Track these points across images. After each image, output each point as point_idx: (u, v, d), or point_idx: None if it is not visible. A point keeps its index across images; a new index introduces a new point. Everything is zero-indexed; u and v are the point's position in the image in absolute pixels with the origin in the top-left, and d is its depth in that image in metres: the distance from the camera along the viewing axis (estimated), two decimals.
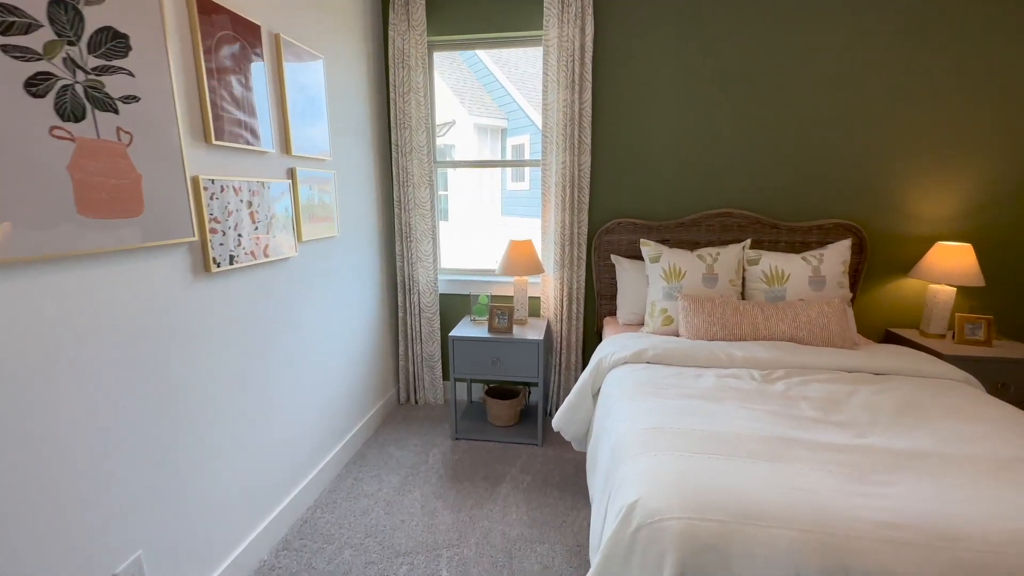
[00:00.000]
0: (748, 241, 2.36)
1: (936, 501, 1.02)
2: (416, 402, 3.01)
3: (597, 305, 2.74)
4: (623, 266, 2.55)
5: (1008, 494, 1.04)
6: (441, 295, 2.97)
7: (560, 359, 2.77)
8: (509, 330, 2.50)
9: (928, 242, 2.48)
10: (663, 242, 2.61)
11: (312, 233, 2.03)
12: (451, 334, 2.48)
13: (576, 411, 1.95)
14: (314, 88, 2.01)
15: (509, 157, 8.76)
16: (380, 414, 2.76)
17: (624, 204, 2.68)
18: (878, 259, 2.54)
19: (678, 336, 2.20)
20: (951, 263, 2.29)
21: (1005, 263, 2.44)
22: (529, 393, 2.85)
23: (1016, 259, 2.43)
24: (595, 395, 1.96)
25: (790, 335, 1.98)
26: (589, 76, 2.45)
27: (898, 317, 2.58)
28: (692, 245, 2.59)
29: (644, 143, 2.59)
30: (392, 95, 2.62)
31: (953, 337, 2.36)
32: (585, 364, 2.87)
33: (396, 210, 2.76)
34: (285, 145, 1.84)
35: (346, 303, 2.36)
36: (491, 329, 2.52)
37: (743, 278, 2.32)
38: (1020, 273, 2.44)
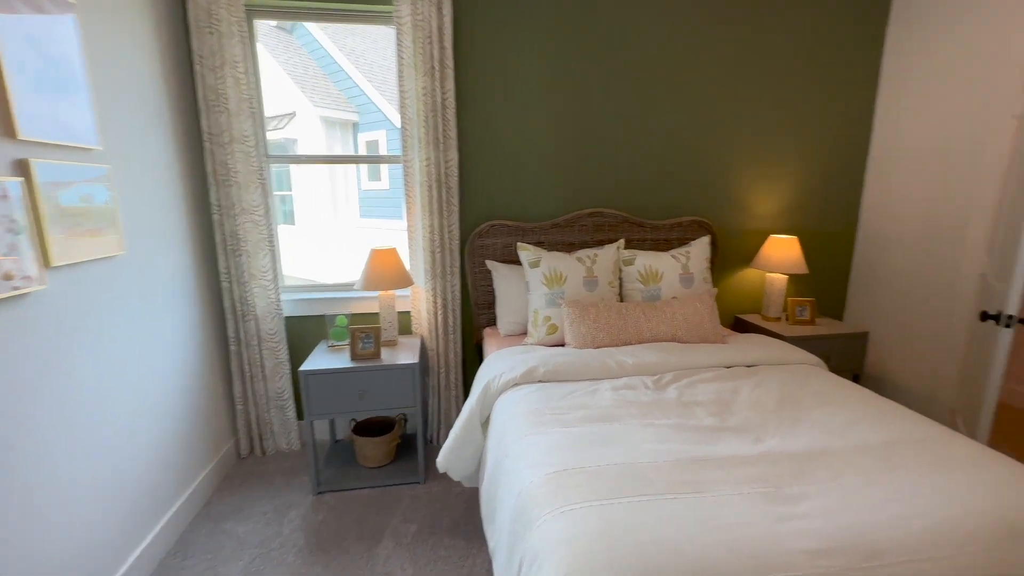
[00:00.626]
0: (622, 241, 2.35)
1: (850, 511, 1.00)
2: (264, 452, 2.44)
3: (475, 316, 2.51)
4: (500, 272, 2.35)
5: (903, 487, 1.07)
6: (287, 319, 2.44)
7: (439, 380, 2.47)
8: (377, 355, 2.12)
9: (764, 235, 2.76)
10: (539, 244, 2.48)
11: (76, 253, 1.42)
12: (303, 368, 2.02)
13: (464, 447, 1.69)
14: (61, 49, 1.39)
15: (362, 153, 8.08)
16: (212, 479, 2.16)
17: (497, 205, 2.48)
18: (726, 252, 2.76)
19: (564, 344, 2.07)
20: (782, 254, 2.57)
21: (820, 251, 2.83)
22: (406, 421, 2.50)
23: (828, 248, 2.84)
24: (484, 423, 1.72)
25: (670, 335, 1.98)
26: (450, 62, 2.19)
27: (743, 304, 2.85)
28: (568, 246, 2.50)
29: (515, 139, 2.42)
30: (198, 68, 2.03)
31: (787, 319, 2.67)
32: (467, 382, 2.62)
33: (216, 216, 2.17)
34: (5, 125, 1.22)
35: (145, 344, 1.75)
36: (354, 356, 2.11)
37: (620, 279, 2.30)
38: (831, 260, 2.86)
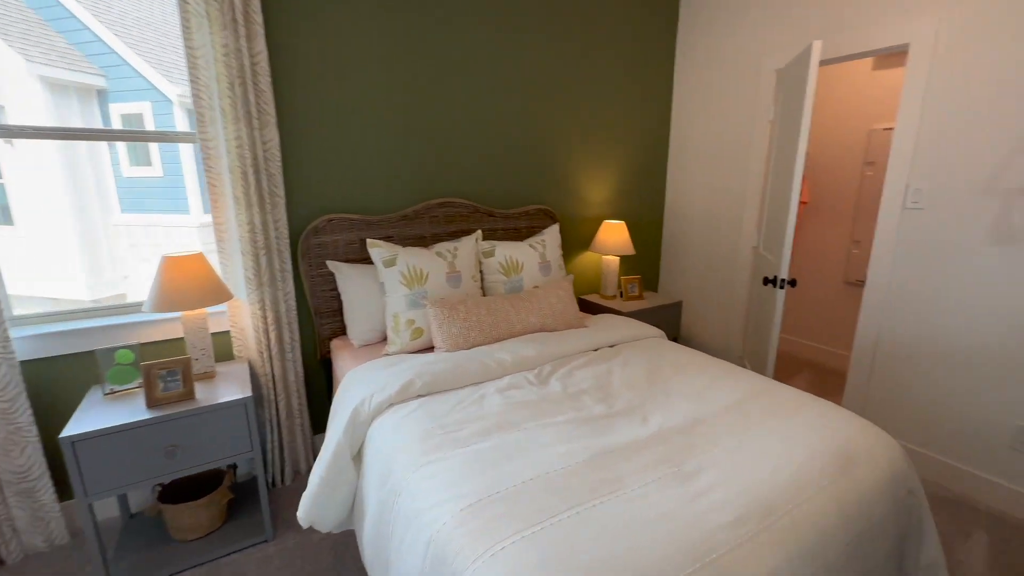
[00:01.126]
0: (479, 232, 2.26)
1: (739, 476, 1.10)
2: (3, 562, 1.67)
3: (317, 327, 2.13)
4: (345, 274, 2.03)
5: (764, 442, 1.23)
6: (26, 364, 1.69)
7: (277, 410, 2.04)
8: (189, 395, 1.62)
9: (598, 221, 2.99)
10: (387, 239, 2.22)
11: None
12: (65, 434, 1.41)
13: (334, 491, 1.40)
14: None
15: (118, 127, 6.27)
16: None
17: (334, 196, 2.13)
18: (567, 238, 2.91)
19: (433, 349, 1.89)
20: (615, 237, 2.82)
21: (640, 233, 3.20)
22: (235, 469, 2.00)
23: (645, 230, 3.23)
24: (355, 457, 1.45)
25: (539, 324, 1.98)
26: (259, 17, 1.75)
27: (584, 286, 3.06)
28: (419, 240, 2.30)
29: (353, 119, 2.09)
30: None
31: (621, 296, 2.96)
32: (314, 405, 2.23)
33: None
34: None
35: None
36: (153, 402, 1.57)
37: (481, 272, 2.21)
38: (648, 240, 3.26)
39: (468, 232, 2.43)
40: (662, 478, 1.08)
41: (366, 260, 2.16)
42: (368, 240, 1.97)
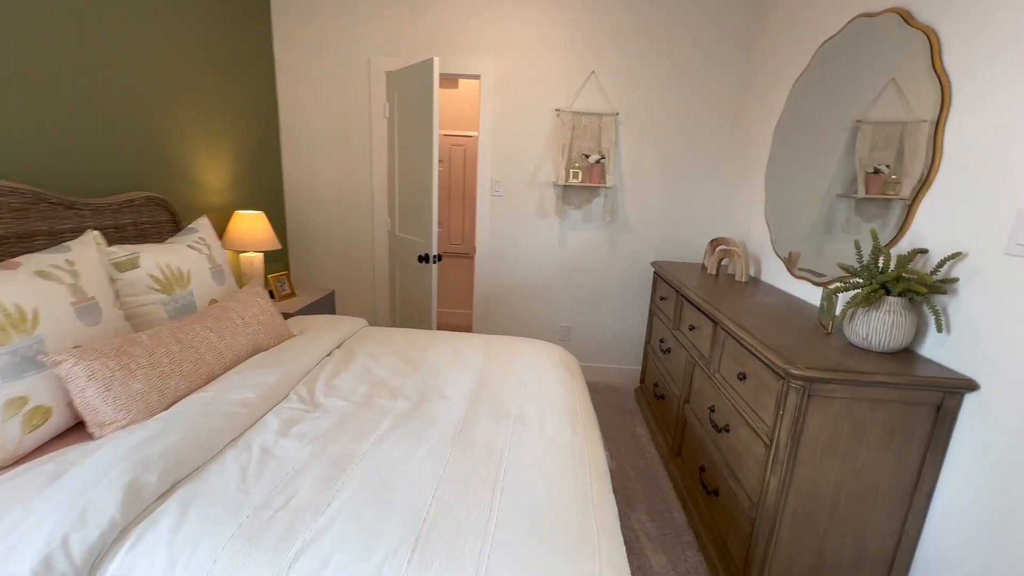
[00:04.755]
0: (95, 232, 1.42)
1: (540, 398, 1.41)
2: None
3: None
4: None
5: (528, 373, 1.58)
6: None
7: None
8: None
9: (223, 212, 2.43)
10: None
11: None
12: None
13: None
14: None
15: None
16: None
17: None
18: None
19: (89, 430, 1.13)
20: (253, 231, 2.41)
21: (282, 224, 2.83)
22: None
23: (270, 220, 2.87)
24: None
25: (252, 346, 1.52)
26: None
27: None
28: None
29: None
30: None
31: (273, 296, 2.59)
32: None
33: None
34: None
35: None
36: None
37: (117, 294, 1.42)
38: (285, 231, 2.93)
39: (30, 236, 1.48)
40: (512, 428, 1.25)
41: None
42: None
